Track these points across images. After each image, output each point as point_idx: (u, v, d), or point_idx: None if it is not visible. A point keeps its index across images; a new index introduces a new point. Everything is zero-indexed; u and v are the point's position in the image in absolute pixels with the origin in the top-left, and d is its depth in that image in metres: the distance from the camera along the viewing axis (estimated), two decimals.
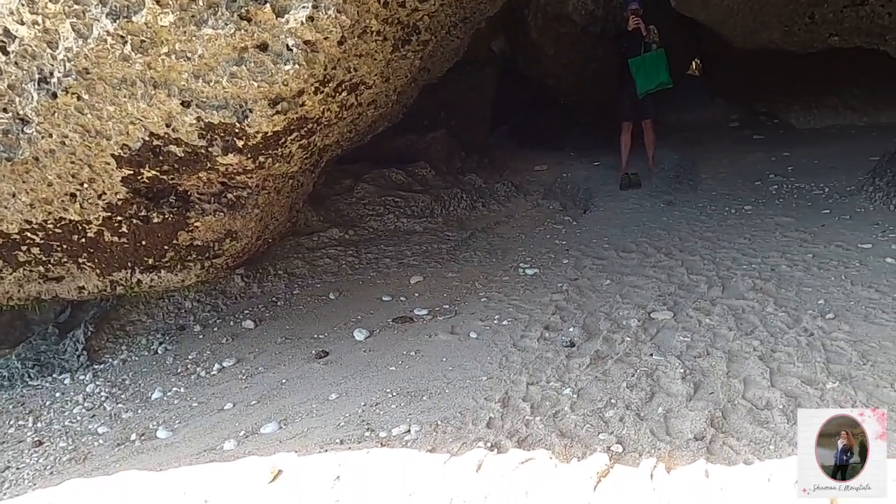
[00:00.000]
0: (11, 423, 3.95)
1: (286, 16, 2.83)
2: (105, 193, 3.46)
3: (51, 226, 3.59)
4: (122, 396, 4.07)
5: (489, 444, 2.86)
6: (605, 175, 7.94)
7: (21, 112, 3.16)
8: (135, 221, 3.63)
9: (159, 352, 4.70)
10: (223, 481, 2.88)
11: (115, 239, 3.72)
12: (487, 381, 3.47)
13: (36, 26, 2.91)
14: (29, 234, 3.64)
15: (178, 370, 4.36)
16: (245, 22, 2.85)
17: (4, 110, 3.18)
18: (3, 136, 3.23)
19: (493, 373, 3.56)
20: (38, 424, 3.86)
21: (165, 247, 3.87)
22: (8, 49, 3.02)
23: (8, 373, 4.73)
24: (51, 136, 3.19)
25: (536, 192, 7.47)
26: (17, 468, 3.36)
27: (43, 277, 3.98)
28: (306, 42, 2.90)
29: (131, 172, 3.36)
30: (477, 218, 6.77)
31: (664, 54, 6.88)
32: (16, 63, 3.06)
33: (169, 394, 4.01)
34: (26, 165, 3.28)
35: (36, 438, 3.66)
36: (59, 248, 3.77)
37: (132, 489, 2.94)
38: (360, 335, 4.40)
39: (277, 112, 3.06)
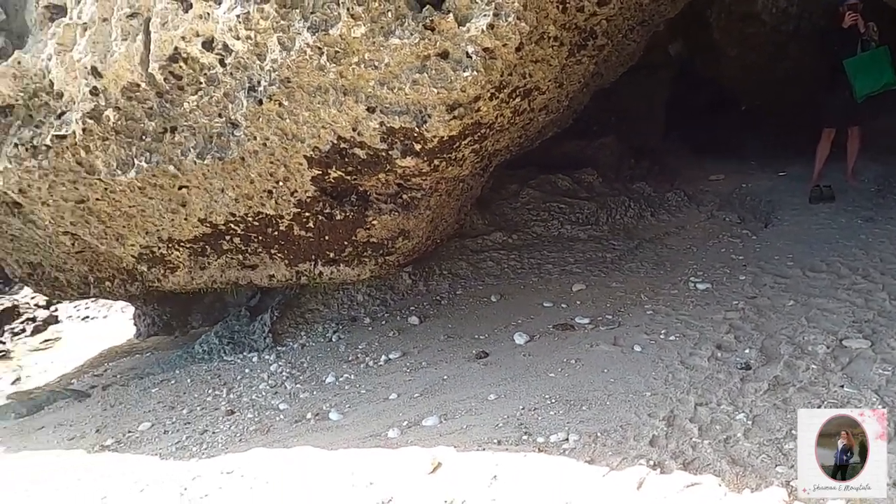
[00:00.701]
0: (209, 392, 4.47)
1: (468, 24, 2.93)
2: (297, 191, 3.81)
3: (250, 219, 4.02)
4: (301, 378, 4.44)
5: (651, 463, 2.75)
6: (792, 187, 7.27)
7: (232, 117, 3.57)
8: (320, 218, 3.95)
9: (333, 340, 5.07)
10: (387, 466, 3.03)
11: (303, 233, 4.07)
12: (651, 397, 3.33)
13: (249, 41, 3.27)
14: (232, 226, 4.10)
15: (349, 358, 4.67)
16: (429, 31, 2.99)
17: (219, 115, 3.61)
18: (217, 139, 3.67)
19: (657, 389, 3.41)
20: (231, 395, 4.33)
21: (345, 242, 4.16)
22: (225, 62, 3.42)
23: (207, 347, 5.36)
24: (255, 138, 3.57)
25: (711, 203, 7.03)
26: (213, 432, 3.79)
27: (241, 265, 4.46)
28: (485, 49, 2.98)
29: (320, 172, 3.66)
30: (645, 227, 6.52)
31: (887, 52, 6.10)
32: (231, 73, 3.45)
33: (341, 379, 4.31)
34: (234, 164, 3.69)
35: (228, 408, 4.11)
36: (255, 239, 4.20)
37: (307, 463, 3.19)
38: (520, 339, 4.43)
39: (454, 117, 3.17)
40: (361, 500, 2.79)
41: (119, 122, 3.72)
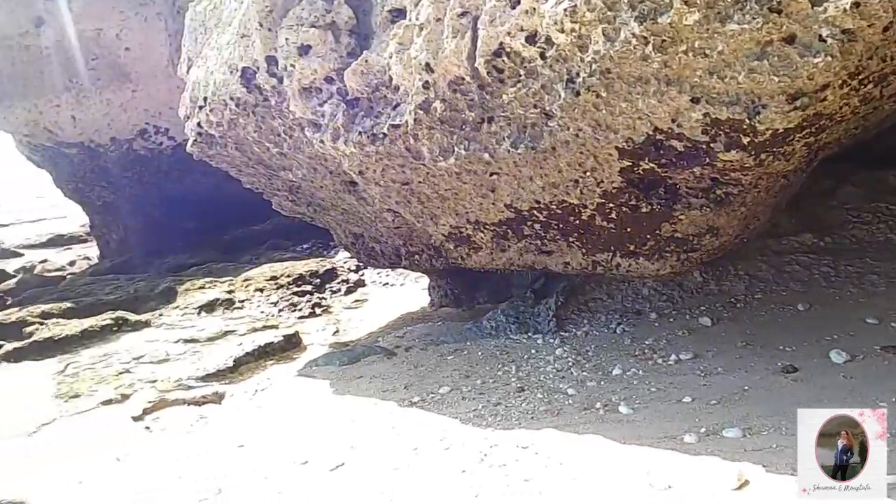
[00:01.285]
0: (499, 366, 4.76)
1: (825, 4, 2.62)
2: (603, 182, 3.82)
3: (554, 207, 4.14)
4: (587, 366, 4.49)
5: None
6: None
7: (548, 108, 3.69)
8: (624, 209, 3.92)
9: (617, 331, 5.03)
10: (686, 473, 2.92)
11: (604, 224, 4.09)
12: None
13: (573, 33, 3.33)
14: (535, 212, 4.27)
15: (636, 352, 4.59)
16: (774, 14, 2.74)
17: (535, 106, 3.75)
18: (530, 129, 3.83)
19: None
20: (520, 373, 4.55)
21: (647, 236, 4.08)
22: (546, 55, 3.54)
23: (495, 324, 5.68)
24: (568, 129, 3.65)
25: None
26: (506, 406, 4.02)
27: (538, 250, 4.64)
28: (844, 31, 2.64)
29: (630, 164, 3.62)
30: None
31: None
32: (550, 66, 3.56)
33: (628, 373, 4.26)
34: (545, 154, 3.83)
35: (518, 385, 4.33)
36: (555, 227, 4.33)
37: (599, 453, 3.22)
38: (837, 357, 3.93)
39: (795, 108, 2.88)
40: (659, 502, 2.74)
41: (444, 113, 4.09)
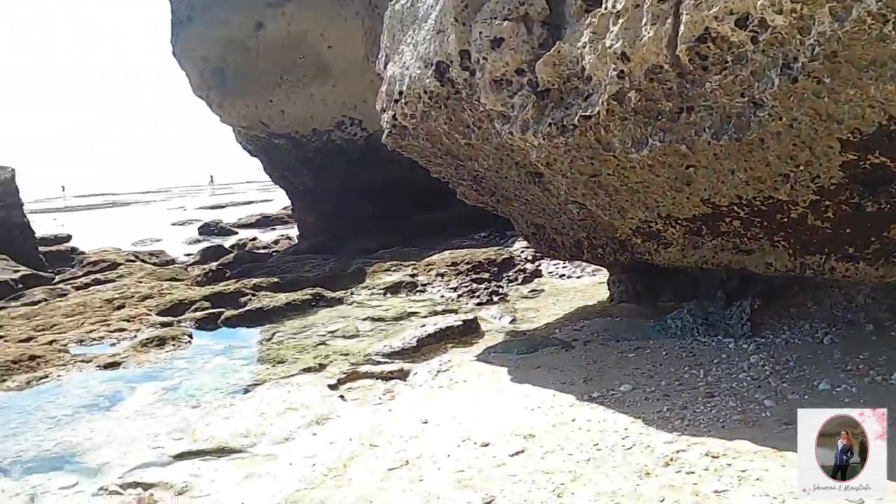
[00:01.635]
0: (685, 369, 4.53)
1: None
2: (819, 177, 3.47)
3: (758, 203, 3.84)
4: (787, 377, 4.13)
5: None
6: None
7: (757, 96, 3.41)
8: (843, 208, 3.53)
9: (824, 342, 4.56)
10: None
11: (818, 223, 3.71)
12: None
13: (793, 14, 3.04)
14: (735, 208, 3.99)
15: (847, 367, 4.13)
16: None
17: (742, 95, 3.49)
18: (735, 119, 3.58)
19: None
20: (708, 378, 4.30)
21: (872, 238, 3.64)
22: (758, 38, 3.27)
23: (681, 324, 5.41)
24: (780, 118, 3.35)
25: None
26: (693, 411, 3.82)
27: (736, 248, 4.34)
28: None
29: (855, 157, 3.25)
30: None
31: None
32: (762, 51, 3.29)
33: (838, 389, 3.85)
34: (750, 146, 3.56)
35: (707, 390, 4.09)
36: (757, 225, 4.01)
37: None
38: None
39: None
40: None
41: (639, 103, 3.95)
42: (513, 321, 7.09)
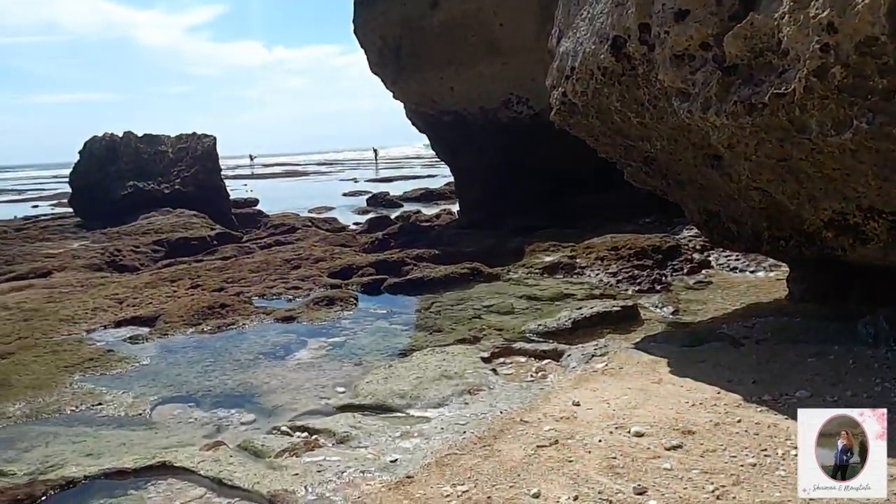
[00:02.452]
0: (876, 381, 4.05)
1: None
2: None
3: None
4: None
5: None
6: None
7: None
8: None
9: None
10: None
11: None
12: None
13: None
14: None
15: None
16: None
17: None
18: None
19: None
20: None
21: None
22: None
23: (874, 331, 4.83)
24: None
25: None
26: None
27: None
28: None
29: None
30: None
31: None
32: None
33: None
34: None
35: None
36: None
37: None
38: None
39: None
40: None
41: (844, 80, 3.52)
42: (675, 312, 6.74)
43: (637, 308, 6.62)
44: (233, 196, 20.56)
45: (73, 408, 5.04)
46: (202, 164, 18.82)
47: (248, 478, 3.71)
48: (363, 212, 21.83)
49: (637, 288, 7.80)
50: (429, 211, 18.60)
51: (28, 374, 5.78)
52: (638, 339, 5.66)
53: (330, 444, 4.12)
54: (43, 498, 3.65)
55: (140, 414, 4.91)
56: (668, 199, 6.67)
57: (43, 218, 21.75)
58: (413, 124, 15.92)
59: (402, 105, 15.45)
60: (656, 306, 6.97)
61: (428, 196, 24.88)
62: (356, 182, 38.72)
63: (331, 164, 76.47)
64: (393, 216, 17.42)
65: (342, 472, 3.68)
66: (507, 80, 13.15)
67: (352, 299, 8.06)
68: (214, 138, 19.72)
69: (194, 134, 19.94)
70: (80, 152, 19.18)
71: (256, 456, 4.05)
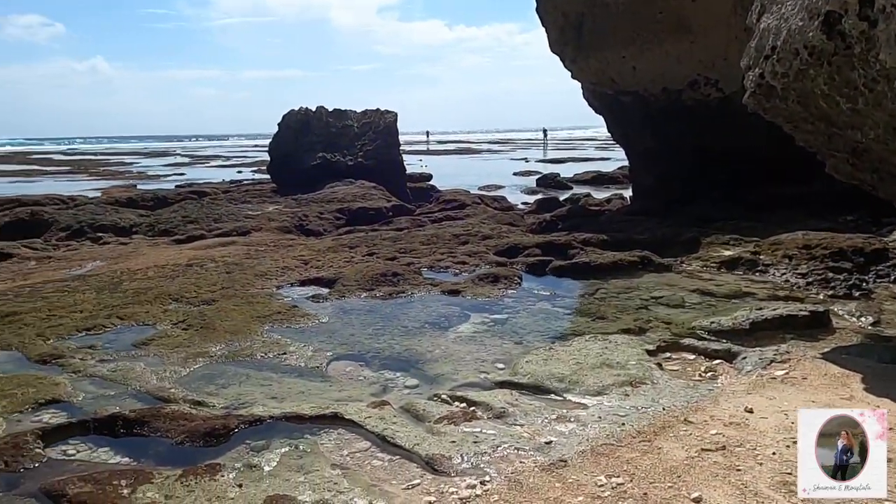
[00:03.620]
0: None
1: None
2: None
3: None
4: None
5: None
6: None
7: None
8: None
9: None
10: None
11: None
12: None
13: None
14: None
15: None
16: None
17: None
18: None
19: None
20: None
21: None
22: None
23: None
24: None
25: None
26: None
27: None
28: None
29: None
30: None
31: None
32: None
33: None
34: None
35: None
36: None
37: None
38: None
39: None
40: None
41: None
42: (876, 323, 6.00)
43: (829, 315, 5.98)
44: (408, 170, 21.46)
45: (263, 354, 5.63)
46: (384, 138, 19.85)
47: (409, 438, 3.92)
48: (532, 192, 21.79)
49: (830, 293, 7.03)
50: (599, 195, 18.12)
51: (228, 320, 6.54)
52: (827, 349, 5.13)
53: (486, 418, 4.22)
54: (235, 430, 4.13)
55: (317, 367, 5.36)
56: (877, 195, 5.91)
57: (245, 183, 24.28)
58: (589, 105, 15.52)
59: (576, 86, 15.12)
60: (852, 315, 6.24)
61: (599, 179, 24.23)
62: (527, 162, 38.70)
63: (503, 143, 76.99)
64: (562, 198, 17.20)
65: (497, 446, 3.76)
66: (694, 59, 12.34)
67: (516, 278, 8.13)
68: (396, 114, 20.68)
69: (378, 110, 21.06)
70: (278, 124, 21.07)
71: (417, 419, 4.26)
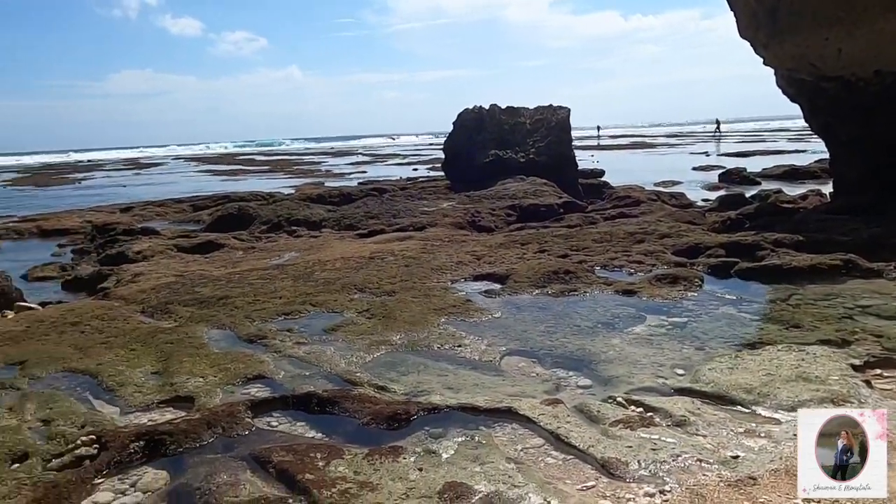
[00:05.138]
0: None
1: None
2: None
3: None
4: None
5: None
6: None
7: None
8: None
9: None
10: None
11: None
12: None
13: None
14: None
15: None
16: None
17: None
18: None
19: None
20: None
21: None
22: None
23: None
24: None
25: None
26: None
27: None
28: None
29: None
30: None
31: None
32: None
33: None
34: None
35: None
36: None
37: None
38: None
39: None
40: None
41: None
42: None
43: None
44: (579, 166, 21.09)
45: (439, 345, 5.86)
46: (556, 134, 19.70)
47: (584, 439, 3.88)
48: (714, 188, 20.43)
49: None
50: (792, 191, 16.52)
51: (406, 311, 6.90)
52: None
53: (665, 425, 4.06)
54: (415, 416, 4.35)
55: (491, 361, 5.48)
56: None
57: (420, 180, 25.37)
58: (784, 93, 14.17)
59: (767, 73, 13.87)
60: None
61: (792, 174, 22.10)
62: (707, 156, 36.33)
63: (680, 136, 72.91)
64: (748, 194, 15.93)
65: (677, 456, 3.60)
66: None
67: (697, 280, 7.68)
68: (568, 110, 20.43)
69: (550, 106, 20.94)
70: (453, 123, 21.74)
71: (591, 420, 4.20)
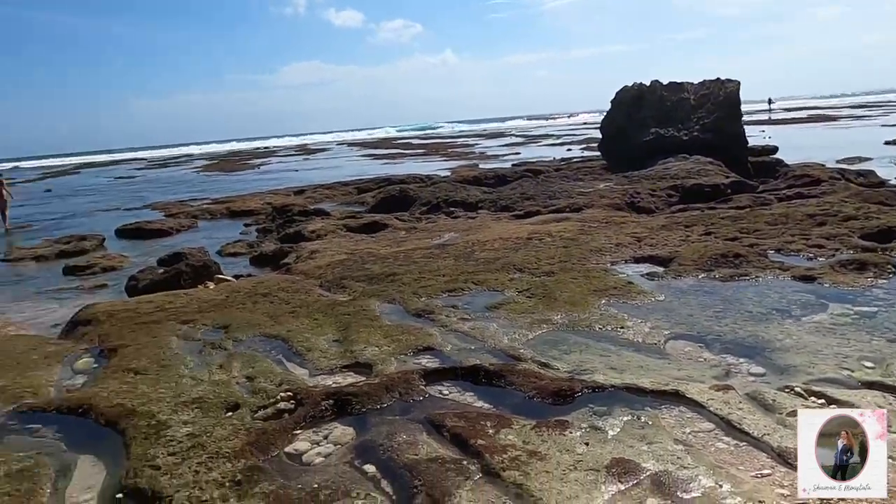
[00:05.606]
0: None
1: None
2: None
3: None
4: None
5: None
6: None
7: None
8: None
9: None
10: None
11: None
12: None
13: None
14: None
15: None
16: None
17: None
18: None
19: None
20: None
21: None
22: None
23: None
24: None
25: None
26: None
27: None
28: None
29: None
30: None
31: None
32: None
33: None
34: None
35: None
36: None
37: None
38: None
39: None
40: None
41: None
42: None
43: None
44: (749, 143, 19.63)
45: (600, 326, 5.88)
46: (723, 109, 18.50)
47: (758, 427, 3.77)
48: None
49: None
50: None
51: (566, 291, 6.96)
52: None
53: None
54: (579, 393, 4.44)
55: (655, 343, 5.41)
56: None
57: (575, 161, 25.00)
58: None
59: None
60: None
61: None
62: None
63: (869, 106, 65.02)
64: None
65: None
66: None
67: (889, 266, 6.98)
68: (738, 83, 19.07)
69: (717, 80, 19.68)
70: (611, 101, 21.14)
71: (765, 409, 4.04)
